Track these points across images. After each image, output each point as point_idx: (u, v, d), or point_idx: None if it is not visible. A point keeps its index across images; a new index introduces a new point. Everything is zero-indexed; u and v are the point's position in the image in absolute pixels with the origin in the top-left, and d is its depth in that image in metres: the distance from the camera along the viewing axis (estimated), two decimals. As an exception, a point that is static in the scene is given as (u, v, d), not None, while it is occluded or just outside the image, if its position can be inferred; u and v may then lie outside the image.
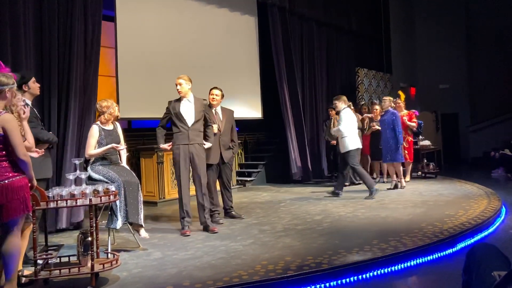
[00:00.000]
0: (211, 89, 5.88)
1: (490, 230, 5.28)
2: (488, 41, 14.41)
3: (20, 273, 3.52)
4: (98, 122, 4.78)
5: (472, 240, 4.80)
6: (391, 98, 8.31)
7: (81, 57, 5.96)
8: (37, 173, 3.53)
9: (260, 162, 10.17)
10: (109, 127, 4.81)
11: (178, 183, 5.23)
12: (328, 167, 10.23)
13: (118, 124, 4.95)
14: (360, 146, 7.47)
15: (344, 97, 7.58)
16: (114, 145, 4.63)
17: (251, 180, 9.74)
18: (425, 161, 9.60)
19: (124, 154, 4.91)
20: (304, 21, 10.24)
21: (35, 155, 3.81)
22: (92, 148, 4.63)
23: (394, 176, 8.04)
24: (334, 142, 8.75)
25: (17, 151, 3.13)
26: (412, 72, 15.44)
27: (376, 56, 13.56)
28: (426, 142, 9.71)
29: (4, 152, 3.14)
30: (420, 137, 9.66)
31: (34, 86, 4.28)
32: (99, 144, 4.66)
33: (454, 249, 4.52)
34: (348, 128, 7.29)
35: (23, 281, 3.56)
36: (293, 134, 9.51)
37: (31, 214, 3.42)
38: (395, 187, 7.96)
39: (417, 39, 15.76)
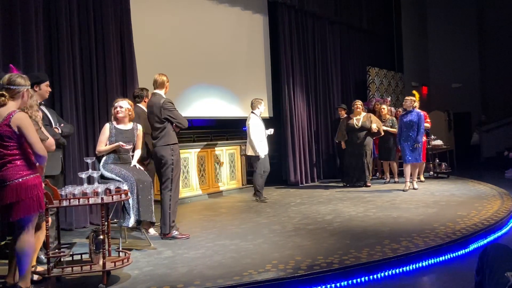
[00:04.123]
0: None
1: (504, 230, 5.23)
2: (500, 39, 14.22)
3: (33, 270, 3.57)
4: (112, 121, 4.81)
5: (485, 241, 4.75)
6: (413, 98, 8.22)
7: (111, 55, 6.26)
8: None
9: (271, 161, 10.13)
10: (125, 126, 4.80)
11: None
12: (340, 168, 10.18)
13: (139, 126, 4.91)
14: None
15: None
16: (120, 143, 4.64)
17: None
18: (437, 161, 9.51)
19: (136, 155, 4.89)
20: (316, 19, 10.22)
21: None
22: (102, 145, 4.70)
23: (408, 176, 7.81)
24: (343, 145, 8.74)
25: (35, 148, 3.16)
26: (424, 71, 15.31)
27: (388, 54, 13.47)
28: (438, 142, 9.60)
29: (17, 151, 3.17)
30: (432, 136, 9.57)
31: (45, 89, 4.32)
32: (110, 142, 4.70)
33: (467, 250, 4.48)
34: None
35: (36, 279, 3.61)
36: (298, 134, 9.45)
37: (43, 213, 3.45)
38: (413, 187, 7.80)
39: (429, 37, 15.63)
